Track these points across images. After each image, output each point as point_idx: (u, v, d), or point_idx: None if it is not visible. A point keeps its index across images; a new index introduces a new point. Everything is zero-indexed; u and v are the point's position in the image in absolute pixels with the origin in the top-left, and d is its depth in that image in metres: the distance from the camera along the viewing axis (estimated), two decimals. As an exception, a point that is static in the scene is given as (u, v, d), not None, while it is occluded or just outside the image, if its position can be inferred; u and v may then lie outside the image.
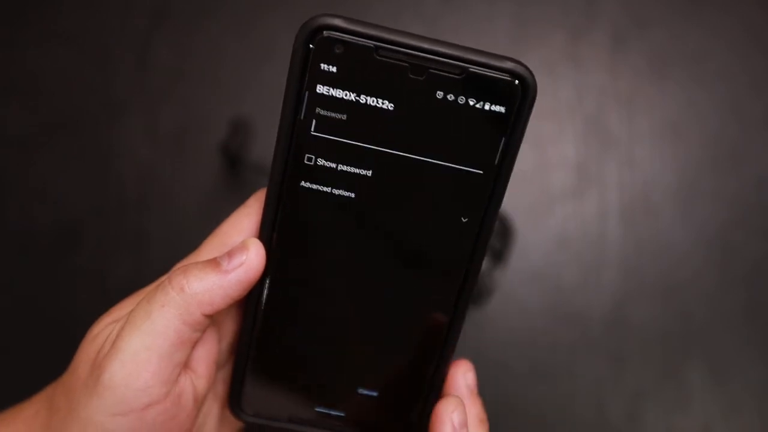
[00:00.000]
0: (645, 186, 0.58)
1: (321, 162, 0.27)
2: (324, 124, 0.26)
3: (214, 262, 0.27)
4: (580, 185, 0.57)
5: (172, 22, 0.59)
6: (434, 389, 0.31)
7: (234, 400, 0.31)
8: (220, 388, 0.32)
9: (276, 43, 0.58)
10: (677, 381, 0.55)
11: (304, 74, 0.25)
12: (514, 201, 0.57)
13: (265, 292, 0.29)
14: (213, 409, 0.32)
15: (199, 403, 0.29)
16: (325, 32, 0.25)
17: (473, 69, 0.25)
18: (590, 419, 0.55)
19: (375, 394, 0.31)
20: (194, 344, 0.28)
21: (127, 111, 0.57)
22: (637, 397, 0.55)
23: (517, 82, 0.25)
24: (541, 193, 0.57)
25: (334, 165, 0.27)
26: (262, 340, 0.30)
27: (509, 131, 0.26)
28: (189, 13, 0.59)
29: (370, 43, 0.25)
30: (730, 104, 0.59)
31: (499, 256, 0.55)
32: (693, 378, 0.55)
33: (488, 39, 0.59)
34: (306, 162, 0.27)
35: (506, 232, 0.55)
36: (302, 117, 0.26)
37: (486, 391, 0.55)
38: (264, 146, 0.56)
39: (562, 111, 0.58)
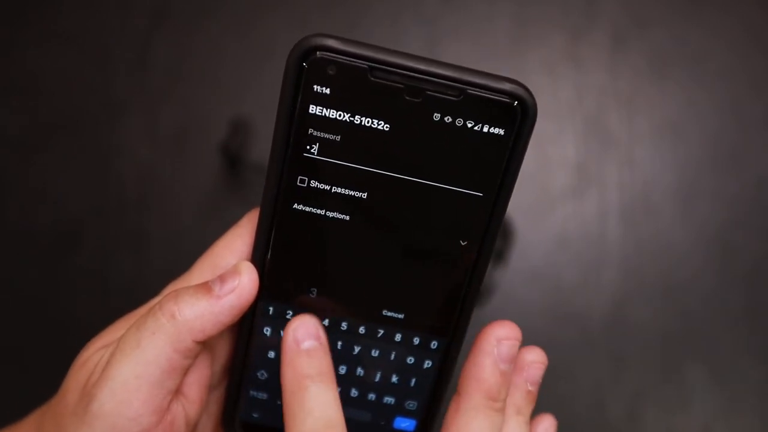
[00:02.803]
0: (645, 186, 0.58)
1: (314, 184, 0.26)
2: (317, 146, 0.25)
3: (206, 287, 0.26)
4: (580, 185, 0.57)
5: (172, 22, 0.59)
6: (434, 416, 0.31)
7: (228, 422, 0.31)
8: (214, 408, 0.31)
9: (276, 43, 0.58)
10: (677, 381, 0.55)
11: (296, 95, 0.24)
12: (514, 201, 0.57)
13: (259, 314, 0.28)
14: (207, 429, 0.31)
15: (192, 428, 0.29)
16: (318, 53, 0.24)
17: (471, 91, 0.24)
18: (590, 419, 0.55)
19: None
20: (186, 371, 0.27)
21: (127, 111, 0.57)
22: (637, 397, 0.55)
23: (516, 103, 0.25)
24: (541, 193, 0.57)
25: (328, 187, 0.26)
26: (255, 362, 0.29)
27: (509, 153, 0.25)
28: (189, 13, 0.59)
29: (364, 64, 0.24)
30: (730, 104, 0.59)
31: (499, 256, 0.55)
32: (693, 378, 0.56)
33: (488, 39, 0.59)
34: (299, 184, 0.26)
35: (506, 232, 0.55)
36: (295, 138, 0.25)
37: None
38: (264, 146, 0.56)
39: (562, 111, 0.58)
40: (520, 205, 0.57)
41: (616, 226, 0.57)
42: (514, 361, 0.28)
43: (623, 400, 0.55)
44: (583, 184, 0.58)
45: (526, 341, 0.29)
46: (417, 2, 0.59)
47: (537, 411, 0.31)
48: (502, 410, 0.27)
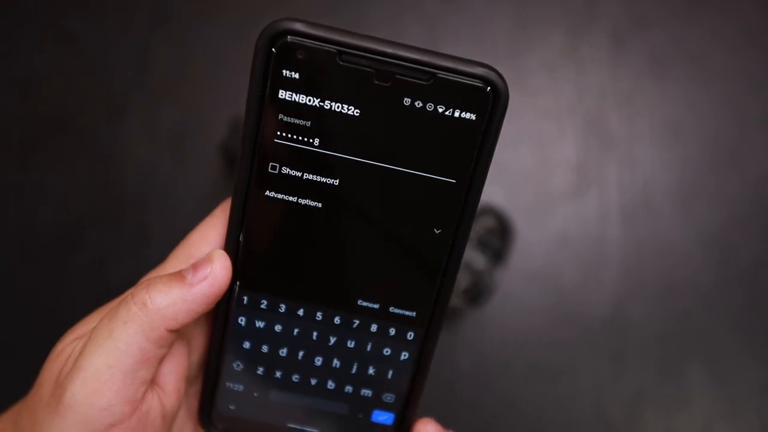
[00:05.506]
0: (645, 186, 0.58)
1: (286, 170, 0.26)
2: (287, 132, 0.25)
3: (179, 276, 0.26)
4: (580, 185, 0.57)
5: (172, 23, 0.59)
6: (413, 409, 0.30)
7: (204, 415, 0.31)
8: (193, 403, 0.31)
9: (276, 44, 0.58)
10: (677, 381, 0.55)
11: (265, 80, 0.24)
12: (514, 201, 0.57)
13: (233, 304, 0.28)
14: (187, 425, 0.31)
15: (169, 420, 0.29)
16: (288, 37, 0.24)
17: (442, 75, 0.24)
18: (590, 419, 0.55)
19: None
20: (160, 360, 0.27)
21: (127, 111, 0.57)
22: (637, 397, 0.55)
23: (488, 88, 0.24)
24: (541, 193, 0.57)
25: (299, 174, 0.26)
26: (230, 353, 0.29)
27: (481, 139, 0.25)
28: (189, 14, 0.59)
29: (333, 48, 0.24)
30: (730, 104, 0.59)
31: (499, 256, 0.55)
32: (693, 378, 0.55)
33: (488, 39, 0.59)
34: (270, 171, 0.26)
35: (506, 232, 0.55)
36: (264, 124, 0.25)
37: (486, 390, 0.55)
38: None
39: (562, 111, 0.58)
40: (520, 205, 0.57)
41: (616, 226, 0.57)
42: None
43: (623, 400, 0.55)
44: (583, 184, 0.58)
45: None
46: (417, 2, 0.59)
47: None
48: None
